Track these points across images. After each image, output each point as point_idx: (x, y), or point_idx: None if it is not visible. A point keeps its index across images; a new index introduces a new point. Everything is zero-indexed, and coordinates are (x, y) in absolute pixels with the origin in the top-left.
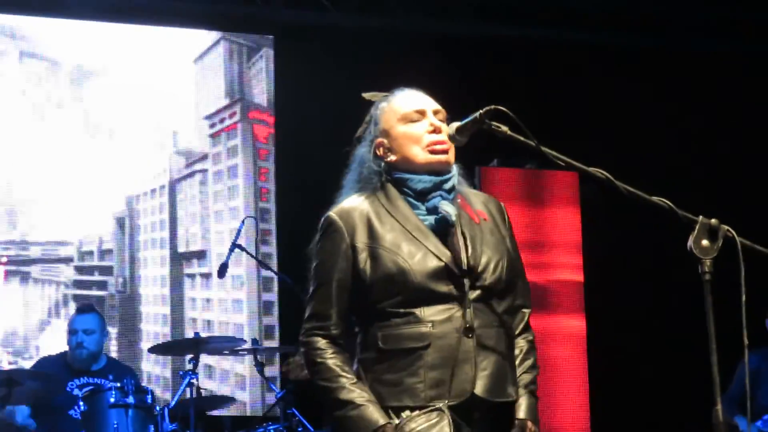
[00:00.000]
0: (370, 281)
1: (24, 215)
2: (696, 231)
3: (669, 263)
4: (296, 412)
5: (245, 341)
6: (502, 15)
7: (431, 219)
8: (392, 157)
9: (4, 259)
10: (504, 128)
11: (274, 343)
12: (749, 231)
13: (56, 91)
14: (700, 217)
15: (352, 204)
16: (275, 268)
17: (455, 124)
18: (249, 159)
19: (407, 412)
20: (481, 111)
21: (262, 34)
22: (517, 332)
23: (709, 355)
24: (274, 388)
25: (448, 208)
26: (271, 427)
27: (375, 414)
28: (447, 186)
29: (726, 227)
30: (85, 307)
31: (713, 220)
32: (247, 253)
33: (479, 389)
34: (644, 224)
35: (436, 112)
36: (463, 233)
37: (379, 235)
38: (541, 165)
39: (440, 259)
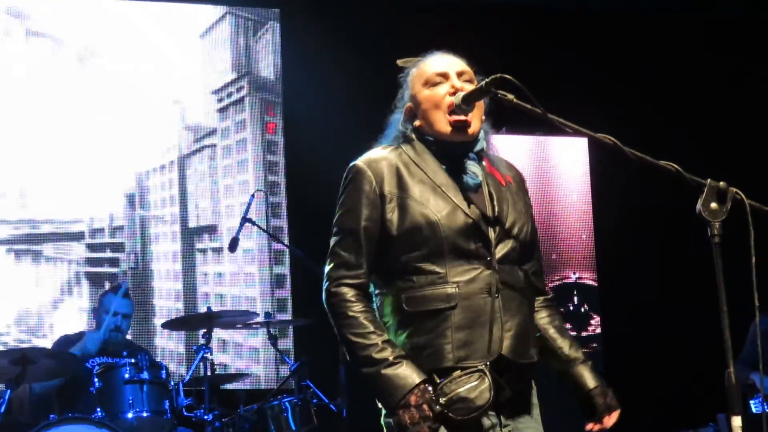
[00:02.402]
0: (397, 232)
1: (34, 194)
2: (704, 194)
3: (680, 228)
4: (311, 384)
5: (258, 314)
6: None
7: (458, 177)
8: (418, 122)
9: None
10: (510, 96)
11: (287, 316)
12: (758, 193)
13: (63, 70)
14: (708, 180)
15: (380, 154)
16: (286, 241)
17: (461, 94)
18: (257, 132)
19: (458, 372)
20: (486, 80)
21: (268, 8)
22: (542, 298)
23: (720, 318)
24: (288, 360)
25: (474, 169)
26: (286, 399)
27: (412, 371)
28: (475, 149)
29: (734, 189)
30: (126, 290)
31: (721, 183)
32: (258, 226)
33: (505, 350)
34: (654, 189)
35: (460, 74)
36: (490, 193)
37: (407, 186)
38: (550, 132)
39: (469, 216)
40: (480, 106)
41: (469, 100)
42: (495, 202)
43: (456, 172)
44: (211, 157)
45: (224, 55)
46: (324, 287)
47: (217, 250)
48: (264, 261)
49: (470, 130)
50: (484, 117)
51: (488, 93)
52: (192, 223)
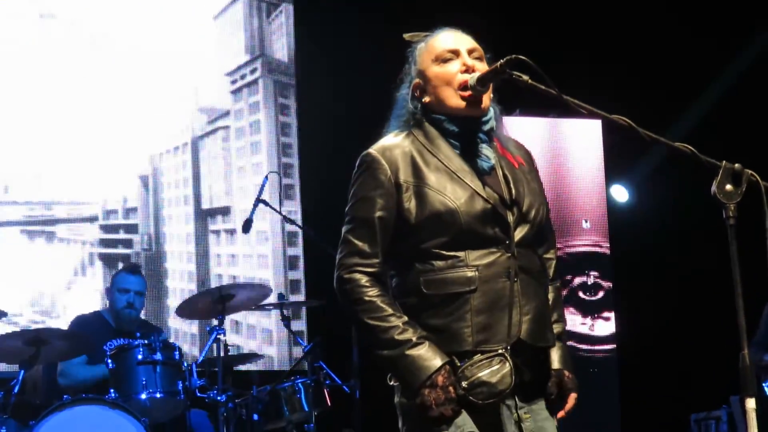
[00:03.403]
0: (415, 221)
1: (48, 176)
2: (719, 176)
3: (694, 209)
4: (324, 366)
5: (271, 289)
6: None
7: (472, 161)
8: (427, 98)
9: None
10: (525, 77)
11: (300, 298)
12: None
13: (76, 52)
14: (723, 161)
15: (393, 142)
16: (300, 223)
17: (476, 75)
18: (271, 114)
19: (479, 356)
20: (501, 61)
21: None
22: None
23: (735, 300)
24: (301, 342)
25: (487, 152)
26: (299, 380)
27: (435, 353)
28: (485, 128)
29: (749, 171)
30: (134, 268)
31: (737, 165)
32: (272, 208)
33: (524, 334)
34: (668, 172)
35: (471, 51)
36: (505, 176)
37: (423, 173)
38: (563, 114)
39: (487, 201)
40: None
41: (484, 81)
42: (511, 185)
43: (469, 155)
44: (225, 139)
45: (238, 37)
46: (336, 274)
47: (231, 232)
48: (277, 242)
49: (482, 105)
50: (492, 94)
51: (503, 74)
52: (205, 205)
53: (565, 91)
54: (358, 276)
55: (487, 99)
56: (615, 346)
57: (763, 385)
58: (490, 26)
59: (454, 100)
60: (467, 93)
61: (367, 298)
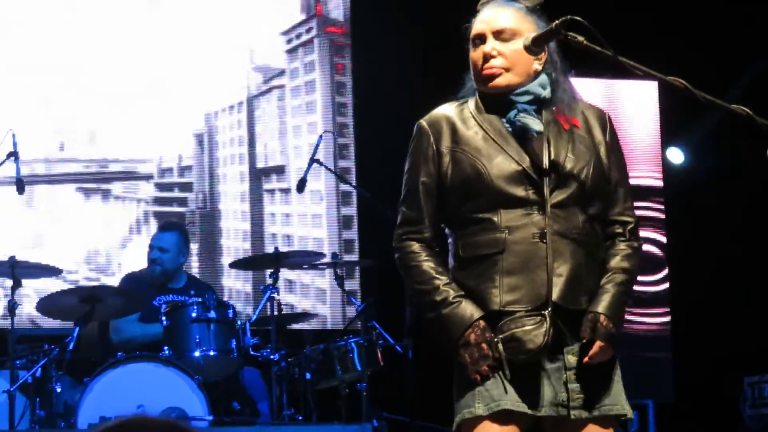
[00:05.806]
0: (450, 185)
1: (104, 133)
2: None
3: (751, 172)
4: (377, 325)
5: (325, 255)
6: None
7: (513, 126)
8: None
9: None
10: (580, 38)
11: (353, 257)
12: None
13: (133, 11)
14: None
15: (442, 111)
16: (354, 182)
17: (531, 35)
18: (326, 74)
19: (521, 312)
20: (557, 21)
21: None
22: (618, 239)
23: None
24: (354, 301)
25: (527, 120)
26: (352, 340)
27: (469, 309)
28: (522, 100)
29: None
30: (166, 225)
31: None
32: (326, 167)
33: (555, 295)
34: (723, 134)
35: (498, 33)
36: (548, 140)
37: (462, 139)
38: (618, 75)
39: (519, 164)
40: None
41: (539, 42)
42: (552, 149)
43: (511, 122)
44: (280, 98)
45: None
46: (393, 244)
47: (285, 191)
48: (331, 202)
49: (503, 81)
50: (539, 67)
51: (558, 34)
52: (260, 164)
53: (622, 53)
54: (408, 243)
55: (512, 76)
56: (668, 309)
57: None
58: None
59: (478, 83)
60: (488, 72)
61: (414, 264)
